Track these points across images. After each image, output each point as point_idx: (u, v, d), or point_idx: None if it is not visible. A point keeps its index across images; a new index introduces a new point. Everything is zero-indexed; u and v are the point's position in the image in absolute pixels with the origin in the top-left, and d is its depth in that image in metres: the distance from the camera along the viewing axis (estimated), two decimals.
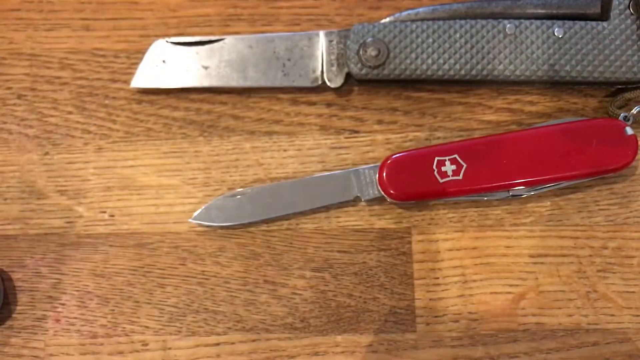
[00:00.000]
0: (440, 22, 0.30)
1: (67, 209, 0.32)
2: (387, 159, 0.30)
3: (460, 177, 0.29)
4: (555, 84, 0.31)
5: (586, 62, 0.30)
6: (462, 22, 0.30)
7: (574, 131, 0.29)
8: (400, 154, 0.30)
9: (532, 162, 0.29)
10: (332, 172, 0.31)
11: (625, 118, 0.30)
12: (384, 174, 0.29)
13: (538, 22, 0.30)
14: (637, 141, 0.29)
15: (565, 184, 0.30)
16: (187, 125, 0.32)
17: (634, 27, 0.30)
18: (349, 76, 0.31)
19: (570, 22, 0.30)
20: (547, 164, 0.29)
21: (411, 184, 0.29)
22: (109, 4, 0.34)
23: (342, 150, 0.32)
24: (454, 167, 0.29)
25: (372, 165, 0.30)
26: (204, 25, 0.33)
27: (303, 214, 0.31)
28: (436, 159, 0.29)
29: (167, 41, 0.32)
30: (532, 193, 0.30)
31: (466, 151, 0.29)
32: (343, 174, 0.30)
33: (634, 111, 0.30)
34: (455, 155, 0.29)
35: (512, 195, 0.30)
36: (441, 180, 0.29)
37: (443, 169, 0.29)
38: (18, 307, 0.31)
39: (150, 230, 0.31)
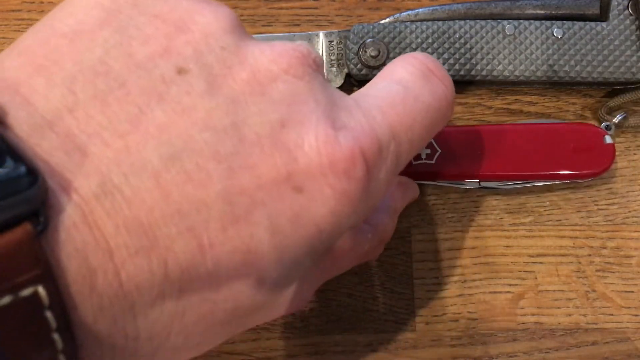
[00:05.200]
0: (440, 23, 0.31)
1: None
2: None
3: (433, 161, 0.29)
4: (554, 85, 0.31)
5: (585, 62, 0.30)
6: (462, 22, 0.30)
7: (553, 132, 0.30)
8: None
9: (506, 157, 0.29)
10: None
11: (607, 127, 0.30)
12: None
13: (537, 22, 0.30)
14: (614, 150, 0.29)
15: (538, 183, 0.30)
16: None
17: (633, 27, 0.30)
18: (348, 76, 0.32)
19: (569, 23, 0.30)
20: (520, 161, 0.29)
21: None
22: None
23: None
24: (428, 151, 0.29)
25: None
26: None
27: None
28: None
29: None
30: (503, 187, 0.30)
31: (443, 138, 0.29)
32: None
33: (615, 120, 0.30)
34: (432, 140, 0.29)
35: (483, 187, 0.30)
36: (414, 162, 0.29)
37: None
38: None
39: None
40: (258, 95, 0.17)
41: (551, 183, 0.30)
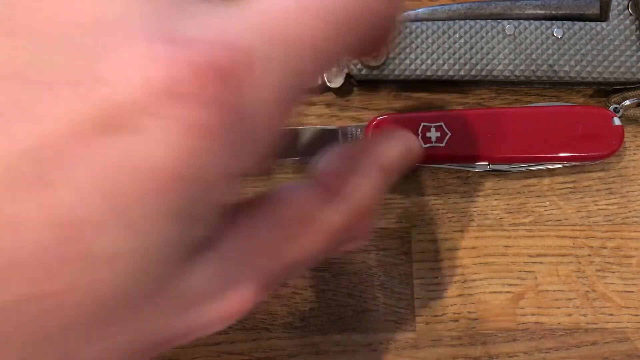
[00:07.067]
0: (440, 23, 0.31)
1: None
2: (374, 119, 0.30)
3: (443, 144, 0.29)
4: (554, 85, 0.31)
5: (585, 62, 0.30)
6: (462, 22, 0.30)
7: (561, 115, 0.30)
8: (387, 116, 0.30)
9: (516, 139, 0.30)
10: (321, 126, 0.31)
11: (616, 110, 0.30)
12: (370, 133, 0.30)
13: (537, 22, 0.30)
14: (623, 132, 0.29)
15: (547, 166, 0.30)
16: None
17: (633, 27, 0.30)
18: (348, 77, 0.32)
19: (569, 23, 0.30)
20: (529, 143, 0.29)
21: None
22: None
23: None
24: (438, 134, 0.30)
25: (358, 124, 0.31)
26: None
27: None
28: (422, 124, 0.30)
29: None
30: (513, 170, 0.30)
31: (453, 120, 0.30)
32: (331, 129, 0.31)
33: (626, 103, 0.30)
34: (442, 124, 0.30)
35: (492, 170, 0.30)
36: (424, 146, 0.29)
37: (428, 134, 0.30)
38: None
39: None
40: (60, 31, 0.13)
41: (560, 166, 0.30)
